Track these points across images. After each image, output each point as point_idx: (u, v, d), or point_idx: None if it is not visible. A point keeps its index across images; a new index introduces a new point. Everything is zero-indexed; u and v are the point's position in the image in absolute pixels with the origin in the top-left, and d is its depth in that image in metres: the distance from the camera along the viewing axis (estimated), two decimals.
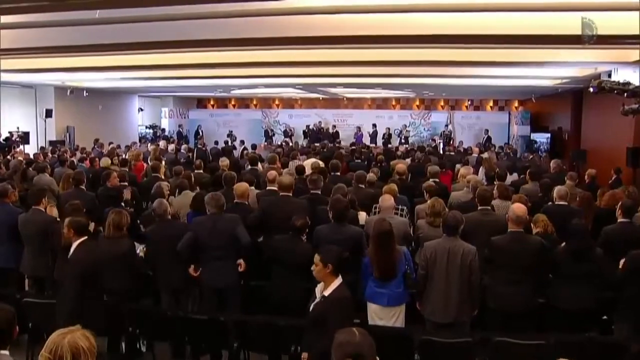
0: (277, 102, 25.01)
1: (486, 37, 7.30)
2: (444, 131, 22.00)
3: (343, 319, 3.52)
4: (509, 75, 12.86)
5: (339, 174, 8.76)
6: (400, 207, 6.63)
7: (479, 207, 6.08)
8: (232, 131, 21.62)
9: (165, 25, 7.03)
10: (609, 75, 9.21)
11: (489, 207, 6.15)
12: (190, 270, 5.51)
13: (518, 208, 5.23)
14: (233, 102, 25.56)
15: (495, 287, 5.04)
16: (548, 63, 10.29)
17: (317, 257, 3.83)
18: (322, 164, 9.78)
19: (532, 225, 5.75)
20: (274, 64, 11.08)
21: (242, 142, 18.31)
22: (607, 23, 6.10)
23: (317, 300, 3.85)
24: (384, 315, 4.95)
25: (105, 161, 10.56)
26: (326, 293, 3.77)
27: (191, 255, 5.47)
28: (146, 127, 21.89)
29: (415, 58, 9.84)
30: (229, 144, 17.41)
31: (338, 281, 3.80)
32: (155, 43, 8.30)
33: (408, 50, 9.42)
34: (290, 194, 6.39)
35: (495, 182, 7.93)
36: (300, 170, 8.39)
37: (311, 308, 3.86)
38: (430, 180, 8.18)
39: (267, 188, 7.21)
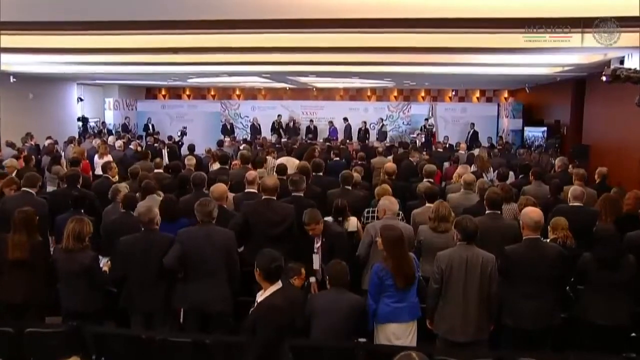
0: (237, 92, 24.83)
1: (481, 21, 7.30)
2: (425, 125, 22.00)
3: (270, 328, 3.72)
4: (502, 62, 12.92)
5: (322, 174, 8.70)
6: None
7: (487, 211, 6.12)
8: (185, 128, 20.80)
9: (112, 3, 6.79)
10: (621, 62, 9.32)
11: (499, 212, 6.21)
12: None
13: (533, 212, 5.25)
14: (188, 92, 25.28)
15: (512, 301, 5.03)
16: (549, 49, 10.37)
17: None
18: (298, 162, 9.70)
19: (549, 228, 5.80)
20: (239, 49, 10.89)
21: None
22: (623, 2, 6.15)
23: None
24: (401, 334, 4.87)
25: (10, 162, 9.82)
26: (260, 299, 4.01)
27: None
28: (78, 119, 20.83)
29: (397, 44, 9.75)
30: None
31: (273, 287, 3.99)
32: (99, 23, 7.97)
33: (389, 36, 9.34)
34: (275, 198, 6.31)
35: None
36: (281, 170, 8.30)
37: None
38: (425, 180, 8.21)
39: (246, 190, 7.12)
